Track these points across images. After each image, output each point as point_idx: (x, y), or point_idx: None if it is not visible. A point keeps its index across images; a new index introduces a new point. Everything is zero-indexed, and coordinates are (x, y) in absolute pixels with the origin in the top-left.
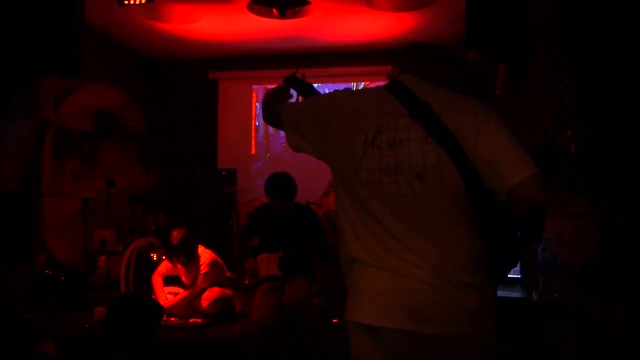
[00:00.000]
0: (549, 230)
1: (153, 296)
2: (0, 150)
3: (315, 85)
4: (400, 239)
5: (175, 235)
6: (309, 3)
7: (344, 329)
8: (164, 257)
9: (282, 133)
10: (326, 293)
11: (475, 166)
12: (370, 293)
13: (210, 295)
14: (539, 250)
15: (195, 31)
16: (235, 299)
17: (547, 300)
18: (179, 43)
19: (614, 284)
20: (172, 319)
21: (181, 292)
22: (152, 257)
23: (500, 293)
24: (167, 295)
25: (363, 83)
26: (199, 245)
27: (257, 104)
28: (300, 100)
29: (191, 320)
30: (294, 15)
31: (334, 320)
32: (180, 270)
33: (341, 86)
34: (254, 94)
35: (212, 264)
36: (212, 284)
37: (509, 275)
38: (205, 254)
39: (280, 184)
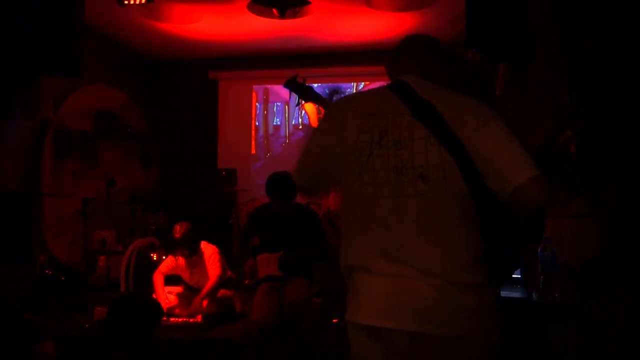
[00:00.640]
0: (549, 230)
1: (154, 295)
2: (0, 150)
3: (315, 85)
4: (402, 240)
5: (178, 228)
6: (309, 3)
7: (344, 329)
8: (164, 257)
9: (283, 132)
10: (326, 293)
11: (478, 166)
12: (370, 294)
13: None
14: (539, 250)
15: (195, 31)
16: (235, 299)
17: (547, 300)
18: (179, 43)
19: (614, 284)
20: (172, 319)
21: (207, 284)
22: (152, 257)
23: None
24: (167, 295)
25: (363, 83)
26: (202, 241)
27: (257, 104)
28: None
29: (191, 320)
30: (294, 15)
31: (334, 320)
32: (182, 270)
33: (341, 86)
34: (254, 94)
35: (220, 254)
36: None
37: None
38: (209, 248)
39: (281, 184)
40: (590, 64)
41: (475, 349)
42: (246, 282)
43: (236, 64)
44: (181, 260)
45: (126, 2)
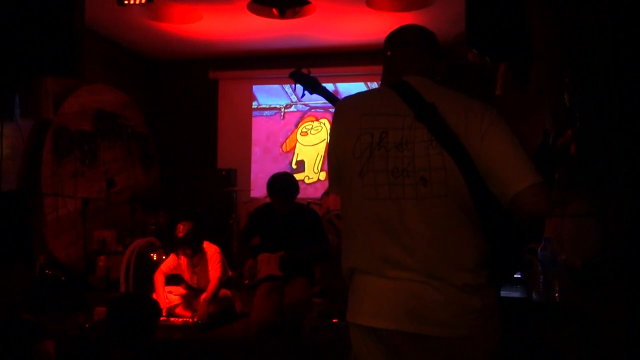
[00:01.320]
0: (549, 230)
1: (154, 294)
2: (1, 150)
3: None
4: (403, 242)
5: (182, 228)
6: (308, 3)
7: (344, 328)
8: (164, 257)
9: None
10: (327, 293)
11: (480, 170)
12: (372, 295)
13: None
14: (539, 250)
15: (195, 31)
16: (235, 299)
17: (547, 300)
18: (179, 43)
19: (614, 284)
20: (172, 319)
21: (209, 287)
22: (152, 257)
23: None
24: (168, 295)
25: (363, 83)
26: (205, 241)
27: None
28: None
29: (191, 320)
30: (294, 15)
31: (334, 320)
32: (184, 269)
33: (341, 86)
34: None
35: (222, 254)
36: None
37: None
38: (211, 248)
39: (282, 184)
40: (590, 64)
41: (478, 349)
42: (246, 282)
43: (236, 64)
44: (183, 260)
45: (126, 2)
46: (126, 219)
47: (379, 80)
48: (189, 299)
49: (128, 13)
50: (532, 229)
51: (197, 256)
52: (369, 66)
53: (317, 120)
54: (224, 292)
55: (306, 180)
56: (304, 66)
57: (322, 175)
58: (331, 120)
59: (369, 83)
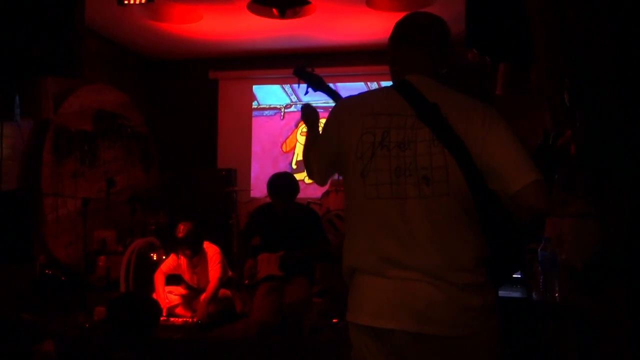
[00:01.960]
0: (549, 230)
1: (154, 294)
2: (1, 150)
3: None
4: (405, 241)
5: (182, 228)
6: (309, 3)
7: (344, 328)
8: (164, 257)
9: None
10: (327, 293)
11: (480, 169)
12: (374, 295)
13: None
14: (539, 250)
15: (195, 31)
16: (235, 299)
17: (547, 300)
18: (179, 43)
19: (614, 284)
20: (171, 319)
21: (209, 287)
22: (152, 257)
23: (500, 293)
24: (167, 295)
25: (363, 83)
26: (205, 242)
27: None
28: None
29: (191, 320)
30: (294, 15)
31: (334, 320)
32: (184, 270)
33: (341, 86)
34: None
35: (222, 254)
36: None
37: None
38: (211, 248)
39: (283, 183)
40: (590, 64)
41: (478, 349)
42: (246, 282)
43: (236, 64)
44: (183, 260)
45: (126, 2)
46: (126, 219)
47: (379, 80)
48: (189, 299)
49: (128, 13)
50: (531, 227)
51: (197, 256)
52: (369, 66)
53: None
54: (224, 292)
55: (306, 180)
56: (306, 65)
57: None
58: (329, 117)
59: (369, 83)
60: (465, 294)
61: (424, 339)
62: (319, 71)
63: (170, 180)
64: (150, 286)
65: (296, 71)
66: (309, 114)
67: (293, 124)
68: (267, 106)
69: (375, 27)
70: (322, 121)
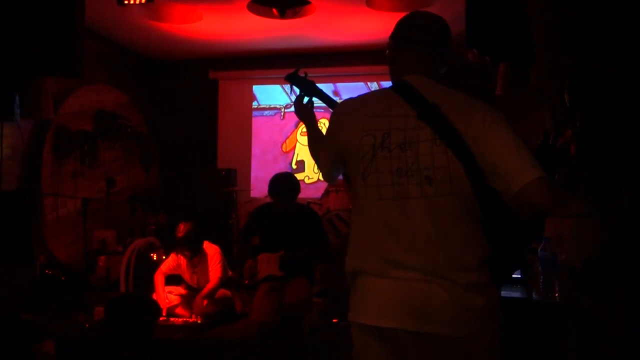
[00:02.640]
0: (549, 230)
1: (154, 295)
2: (1, 150)
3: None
4: (408, 241)
5: (182, 228)
6: (309, 3)
7: (344, 328)
8: (164, 257)
9: None
10: (327, 293)
11: (482, 168)
12: (376, 295)
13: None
14: (539, 250)
15: (195, 31)
16: (235, 299)
17: (547, 300)
18: (179, 43)
19: (614, 284)
20: (172, 319)
21: (207, 285)
22: (152, 257)
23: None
24: (167, 295)
25: (363, 83)
26: (205, 241)
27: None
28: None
29: (191, 320)
30: (294, 15)
31: (334, 320)
32: (184, 269)
33: (341, 86)
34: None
35: (222, 254)
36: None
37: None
38: (211, 248)
39: (284, 184)
40: (590, 64)
41: (480, 348)
42: (246, 282)
43: (236, 64)
44: (183, 260)
45: (126, 2)
46: (126, 219)
47: (379, 80)
48: (189, 299)
49: (128, 13)
50: (533, 227)
51: (197, 256)
52: (369, 66)
53: (317, 120)
54: (224, 292)
55: (306, 180)
56: (301, 67)
57: None
58: (330, 121)
59: (369, 83)
60: (468, 294)
61: (427, 339)
62: (319, 71)
63: (170, 180)
64: (150, 286)
65: (289, 77)
66: (302, 112)
67: (293, 124)
68: (267, 106)
69: (375, 27)
70: (323, 121)
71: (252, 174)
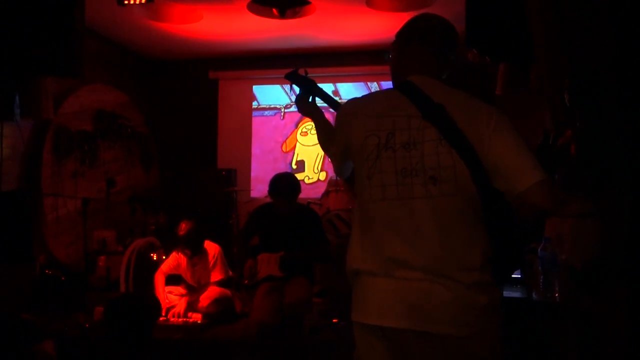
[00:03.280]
0: (549, 230)
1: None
2: (1, 150)
3: None
4: (412, 241)
5: (184, 227)
6: (308, 3)
7: (344, 328)
8: (164, 257)
9: None
10: (327, 293)
11: (486, 168)
12: (379, 295)
13: (210, 295)
14: (539, 250)
15: (195, 31)
16: (235, 299)
17: (547, 300)
18: (179, 43)
19: (614, 284)
20: (171, 319)
21: (212, 287)
22: (152, 257)
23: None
24: (167, 295)
25: (363, 83)
26: (206, 240)
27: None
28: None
29: (191, 320)
30: (294, 15)
31: (334, 320)
32: (184, 269)
33: (341, 86)
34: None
35: (222, 254)
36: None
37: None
38: (212, 247)
39: (285, 184)
40: (590, 64)
41: (482, 346)
42: (246, 282)
43: (236, 64)
44: (183, 259)
45: (126, 2)
46: (126, 219)
47: (379, 80)
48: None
49: (128, 13)
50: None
51: (197, 255)
52: (369, 66)
53: None
54: (224, 292)
55: (306, 180)
56: (301, 67)
57: (322, 175)
58: (335, 120)
59: (369, 83)
60: (472, 293)
61: (430, 338)
62: (319, 71)
63: (170, 180)
64: (150, 286)
65: (289, 75)
66: (306, 108)
67: (293, 124)
68: (267, 106)
69: (375, 27)
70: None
71: (252, 174)
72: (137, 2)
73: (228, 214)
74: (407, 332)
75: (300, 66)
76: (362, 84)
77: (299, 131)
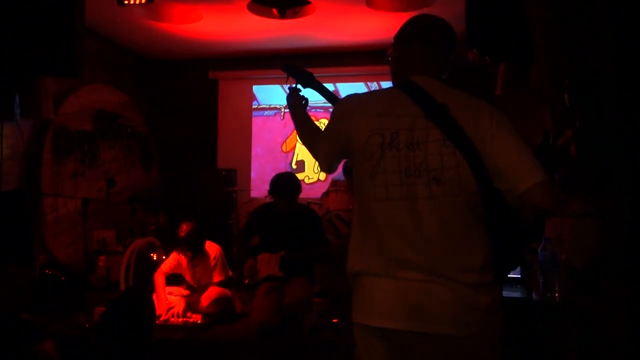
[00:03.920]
0: (549, 230)
1: (154, 295)
2: (1, 150)
3: None
4: (415, 242)
5: (184, 228)
6: (308, 3)
7: (344, 328)
8: (164, 257)
9: None
10: (327, 293)
11: (488, 169)
12: (381, 296)
13: (210, 295)
14: (539, 250)
15: (195, 31)
16: (235, 299)
17: (547, 300)
18: (179, 43)
19: (614, 284)
20: (171, 319)
21: (212, 287)
22: (152, 257)
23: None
24: (168, 295)
25: (363, 83)
26: (207, 241)
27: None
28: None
29: (191, 320)
30: (294, 15)
31: (334, 320)
32: (184, 269)
33: (341, 86)
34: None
35: (223, 255)
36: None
37: (508, 275)
38: (213, 248)
39: (285, 183)
40: (590, 64)
41: (483, 346)
42: (246, 282)
43: (236, 64)
44: (183, 259)
45: (126, 2)
46: (126, 219)
47: (379, 80)
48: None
49: (128, 13)
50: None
51: (197, 258)
52: (369, 66)
53: (317, 120)
54: (224, 292)
55: (306, 180)
56: (299, 62)
57: (322, 176)
58: (332, 114)
59: (369, 83)
60: (473, 293)
61: (430, 339)
62: (319, 71)
63: (170, 180)
64: (150, 286)
65: (285, 66)
66: (293, 101)
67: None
68: (267, 106)
69: (375, 27)
70: (323, 121)
71: (252, 174)
72: (137, 2)
73: (228, 214)
74: (408, 333)
75: (294, 61)
76: (362, 84)
77: None
